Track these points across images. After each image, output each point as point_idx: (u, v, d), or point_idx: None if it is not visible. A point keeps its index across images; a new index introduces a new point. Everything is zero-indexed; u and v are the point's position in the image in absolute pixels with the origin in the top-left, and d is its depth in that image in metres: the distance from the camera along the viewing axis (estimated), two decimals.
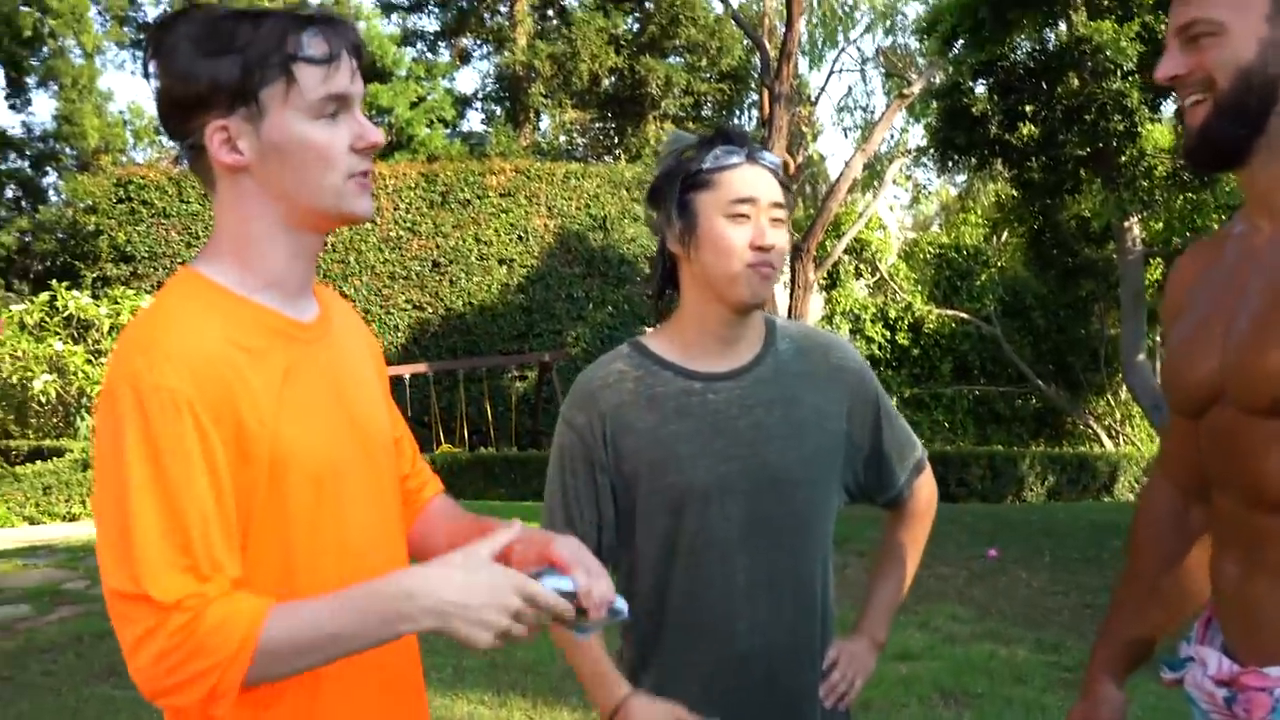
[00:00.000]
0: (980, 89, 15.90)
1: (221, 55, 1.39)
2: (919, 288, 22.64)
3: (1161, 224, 16.21)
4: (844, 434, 1.98)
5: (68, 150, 28.00)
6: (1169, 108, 15.33)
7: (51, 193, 27.97)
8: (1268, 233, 1.53)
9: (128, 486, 1.31)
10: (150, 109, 29.99)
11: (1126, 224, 16.00)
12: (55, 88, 27.60)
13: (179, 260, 16.94)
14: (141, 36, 28.11)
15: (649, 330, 2.01)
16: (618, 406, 1.90)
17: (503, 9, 27.81)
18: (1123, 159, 14.77)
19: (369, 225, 17.95)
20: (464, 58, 29.64)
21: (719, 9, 25.55)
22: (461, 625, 1.32)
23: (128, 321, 15.14)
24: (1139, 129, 14.48)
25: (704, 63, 26.08)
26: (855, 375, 2.02)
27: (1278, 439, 1.45)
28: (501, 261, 17.49)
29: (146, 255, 16.85)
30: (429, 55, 28.91)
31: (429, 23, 29.04)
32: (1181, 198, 15.09)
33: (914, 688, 5.05)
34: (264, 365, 1.43)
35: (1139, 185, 14.83)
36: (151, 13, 28.36)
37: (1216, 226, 15.16)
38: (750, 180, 1.86)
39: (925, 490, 2.12)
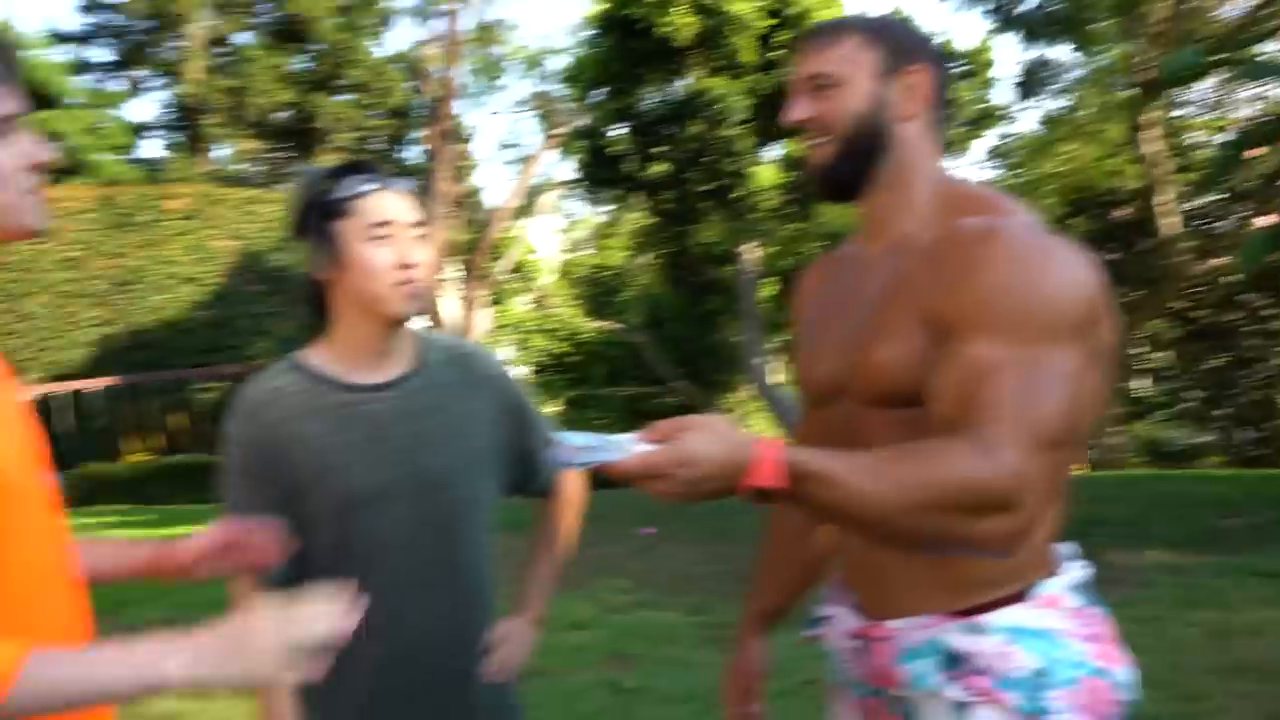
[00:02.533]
0: (620, 131, 16.36)
1: None
2: (576, 303, 23.05)
3: (775, 249, 17.21)
4: (493, 436, 1.95)
5: None
6: (774, 151, 16.34)
7: None
8: (877, 252, 1.62)
9: None
10: None
11: (742, 249, 16.91)
12: None
13: None
14: None
15: (307, 348, 1.91)
16: (282, 420, 1.80)
17: (177, 44, 26.12)
18: (736, 195, 15.58)
19: (45, 245, 16.37)
20: (137, 88, 27.62)
21: (382, 52, 25.08)
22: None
23: None
24: (745, 170, 15.34)
25: (371, 100, 25.47)
26: (499, 381, 1.99)
27: (884, 426, 1.52)
28: (186, 280, 16.48)
29: None
30: (104, 84, 26.76)
31: (103, 53, 26.88)
32: (788, 228, 16.12)
33: (585, 654, 5.11)
34: None
35: (751, 217, 15.69)
36: None
37: (815, 251, 16.32)
38: (386, 204, 1.80)
39: (572, 483, 2.12)
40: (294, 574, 1.86)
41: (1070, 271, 1.42)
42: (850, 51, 1.57)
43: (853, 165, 1.58)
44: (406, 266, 1.78)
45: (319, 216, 1.80)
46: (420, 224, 1.83)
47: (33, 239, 1.39)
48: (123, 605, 5.92)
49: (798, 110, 1.59)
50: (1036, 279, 1.41)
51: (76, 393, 14.23)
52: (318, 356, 1.87)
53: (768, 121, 15.35)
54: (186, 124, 25.99)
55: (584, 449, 1.29)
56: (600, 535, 8.01)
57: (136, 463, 13.12)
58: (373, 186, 1.80)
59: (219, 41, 26.28)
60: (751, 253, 17.05)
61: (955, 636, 1.51)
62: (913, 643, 1.54)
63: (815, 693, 4.31)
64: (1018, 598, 1.50)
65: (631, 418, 21.66)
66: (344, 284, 1.81)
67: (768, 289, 18.63)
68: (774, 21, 15.27)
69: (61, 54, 26.05)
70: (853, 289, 1.64)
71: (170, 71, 26.34)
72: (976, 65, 18.41)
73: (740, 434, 1.30)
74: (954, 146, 19.55)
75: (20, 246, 16.29)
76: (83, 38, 26.15)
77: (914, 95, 1.57)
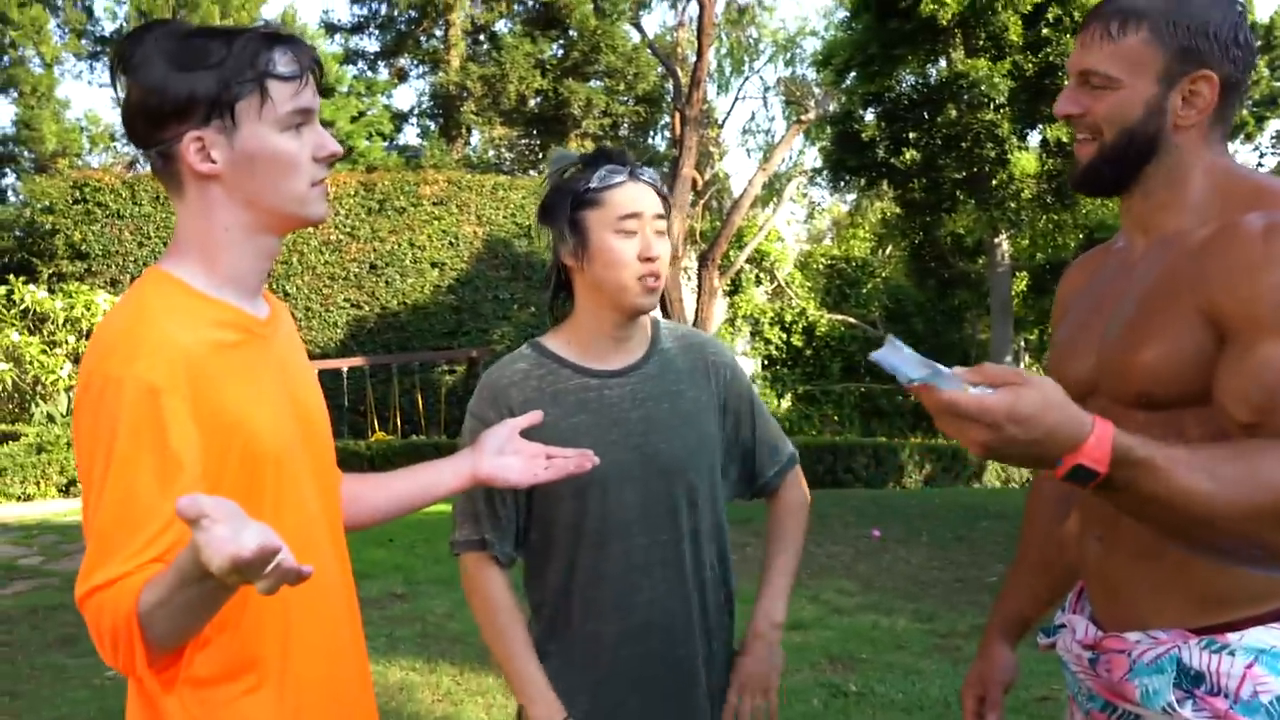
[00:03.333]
0: (869, 117, 16.10)
1: (196, 70, 1.37)
2: (812, 295, 22.87)
3: (1027, 241, 16.55)
4: (721, 424, 1.99)
5: (26, 153, 27.15)
6: (1035, 138, 15.67)
7: (10, 193, 27.09)
8: (1142, 249, 1.55)
9: (105, 472, 1.29)
10: (106, 116, 29.20)
11: (996, 240, 16.32)
12: (15, 95, 26.76)
13: (131, 259, 16.59)
14: (98, 49, 27.39)
15: (548, 333, 1.98)
16: (524, 403, 1.87)
17: (438, 33, 27.54)
18: (994, 182, 15.04)
19: (311, 229, 17.64)
20: (401, 76, 29.29)
21: (636, 38, 25.60)
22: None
23: (101, 318, 14.73)
24: (1009, 156, 14.77)
25: (621, 86, 26.04)
26: (730, 370, 2.03)
27: (1140, 429, 1.46)
28: (434, 265, 17.32)
29: (100, 253, 16.42)
30: (369, 73, 28.54)
31: (369, 43, 28.65)
32: (1045, 218, 15.43)
33: (805, 655, 5.07)
34: (232, 358, 1.41)
35: (1008, 206, 15.12)
36: (109, 27, 27.58)
37: (1073, 244, 15.56)
38: (635, 196, 1.84)
39: (796, 487, 2.11)
40: (533, 551, 1.95)
41: None
42: (1133, 50, 1.47)
43: (1113, 170, 1.51)
44: (649, 260, 1.83)
45: (568, 204, 1.86)
46: (662, 216, 1.87)
47: (313, 227, 1.53)
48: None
49: (1068, 104, 1.53)
50: None
51: (329, 371, 15.18)
52: (558, 341, 1.95)
53: (1030, 105, 14.73)
54: (443, 112, 27.36)
55: (915, 364, 1.21)
56: (826, 535, 7.96)
57: (380, 442, 13.89)
58: (621, 178, 1.85)
59: (479, 30, 27.53)
60: (1005, 245, 16.44)
61: (1195, 653, 1.44)
62: (1149, 657, 1.48)
63: (1049, 710, 4.14)
64: (1270, 618, 1.42)
65: (866, 416, 21.31)
66: (588, 272, 1.87)
67: (1021, 283, 17.92)
68: None
69: (334, 45, 27.98)
70: (1114, 287, 1.57)
71: (432, 60, 27.80)
72: (1275, 39, 17.04)
73: (1075, 405, 1.23)
74: (1241, 130, 18.17)
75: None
76: (353, 28, 27.96)
77: (1197, 102, 1.47)
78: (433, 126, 28.17)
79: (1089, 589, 1.63)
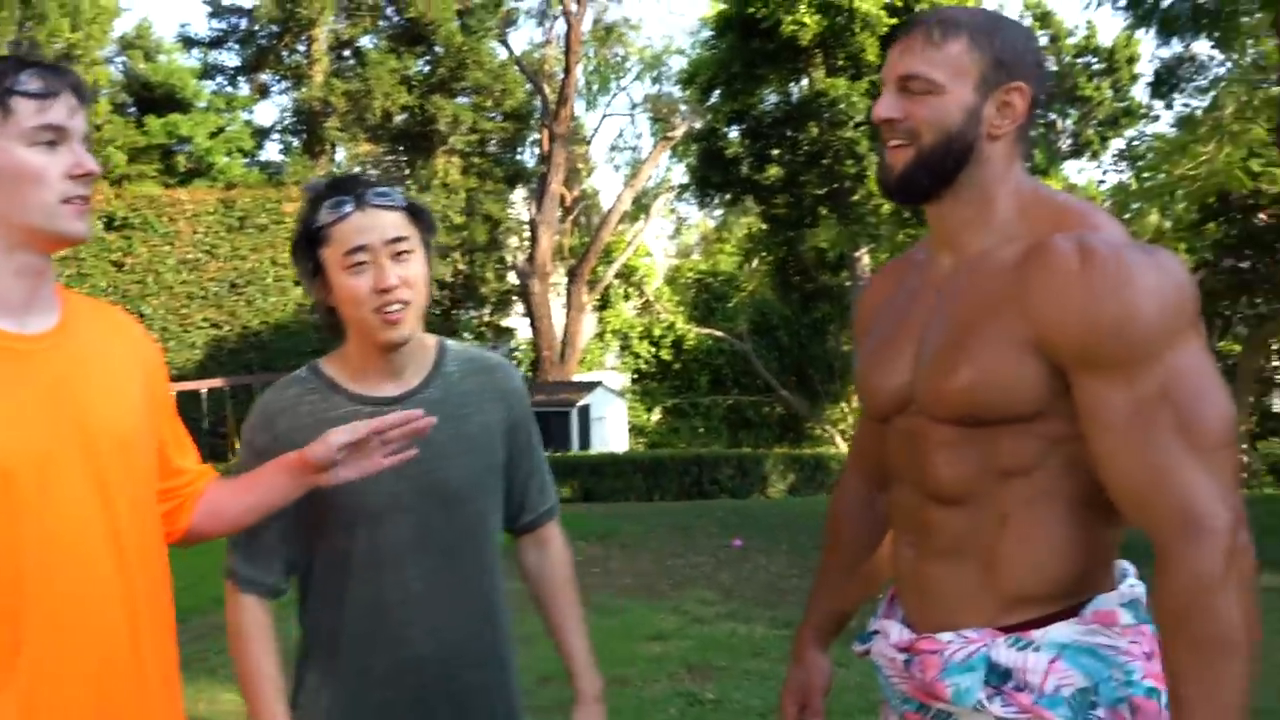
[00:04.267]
0: (734, 134, 16.38)
1: None
2: (681, 309, 23.09)
3: (886, 255, 16.98)
4: (504, 450, 1.93)
5: None
6: None
7: None
8: (949, 265, 1.56)
9: None
10: None
11: (857, 255, 16.74)
12: None
13: None
14: None
15: (332, 352, 1.90)
16: (291, 430, 1.79)
17: (301, 48, 27.00)
18: (854, 198, 15.45)
19: (166, 247, 17.11)
20: (263, 92, 28.60)
21: (504, 55, 25.54)
22: None
23: None
24: (867, 173, 15.18)
25: (489, 103, 25.91)
26: (517, 396, 1.96)
27: (951, 443, 1.49)
28: (297, 282, 16.87)
29: None
30: (229, 88, 27.82)
31: (229, 58, 27.93)
32: (903, 233, 15.89)
33: (664, 665, 5.06)
34: None
35: (867, 221, 15.55)
36: None
37: None
38: (361, 227, 1.73)
39: (561, 535, 2.07)
40: (302, 581, 1.87)
41: (1175, 275, 1.40)
42: (954, 57, 1.49)
43: (930, 176, 1.51)
44: (384, 291, 1.72)
45: (305, 243, 1.78)
46: (402, 238, 1.76)
47: (74, 246, 1.51)
48: None
49: (887, 109, 1.52)
50: (1147, 298, 1.37)
51: (187, 393, 14.73)
52: (335, 365, 1.86)
53: None
54: (307, 127, 26.83)
55: None
56: (689, 546, 7.99)
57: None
58: (349, 208, 1.74)
59: (343, 45, 27.09)
60: (865, 259, 16.87)
61: (1003, 651, 1.47)
62: (959, 657, 1.49)
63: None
64: (1070, 613, 1.46)
65: (734, 427, 21.59)
66: (338, 309, 1.79)
67: None
68: (898, 20, 15.09)
69: (191, 59, 27.19)
70: (922, 302, 1.59)
71: (294, 76, 27.24)
72: (1117, 62, 17.88)
73: None
74: (1089, 148, 18.98)
75: (140, 249, 17.08)
76: (212, 42, 27.22)
77: (1009, 113, 1.50)
78: (295, 143, 27.57)
79: (902, 593, 1.64)
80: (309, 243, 1.78)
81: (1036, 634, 1.45)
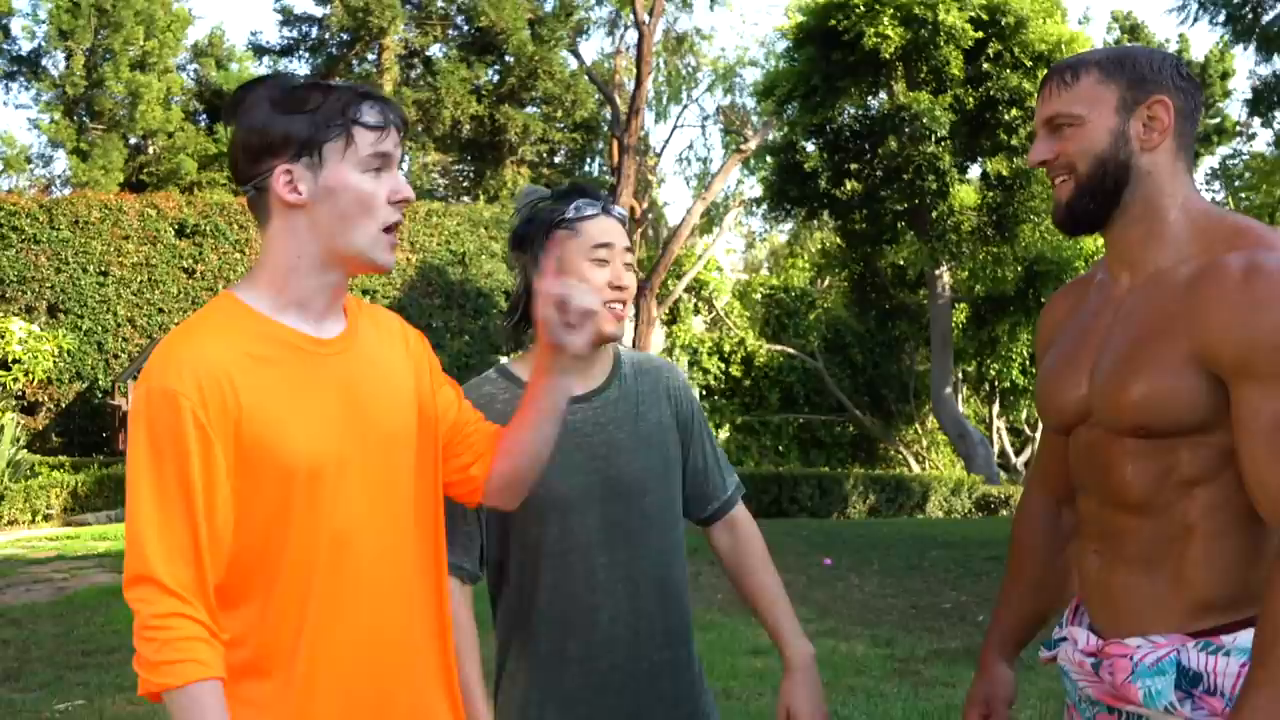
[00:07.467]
0: (811, 148, 16.34)
1: (294, 114, 1.55)
2: (751, 325, 23.07)
3: (967, 273, 16.89)
4: (678, 444, 2.11)
5: None
6: (976, 171, 16.06)
7: None
8: (1126, 284, 1.69)
9: (134, 481, 1.47)
10: (21, 138, 28.62)
11: (937, 272, 16.63)
12: None
13: (47, 285, 16.35)
14: (14, 69, 26.88)
15: (511, 357, 2.08)
16: None
17: (371, 57, 27.44)
18: (935, 215, 15.35)
19: (237, 255, 17.59)
20: None
21: (574, 65, 25.77)
22: None
23: (16, 345, 14.83)
24: (949, 189, 15.10)
25: (559, 113, 26.17)
26: (684, 394, 2.15)
27: (1132, 453, 1.60)
28: (365, 292, 17.26)
29: (15, 279, 16.16)
30: None
31: (300, 67, 28.41)
32: (984, 251, 15.79)
33: (768, 679, 5.16)
34: (268, 372, 1.54)
35: (948, 238, 15.42)
36: (26, 46, 27.05)
37: (1012, 277, 15.93)
38: (607, 229, 1.98)
39: (747, 514, 2.21)
40: (495, 570, 2.05)
41: None
42: (1087, 90, 1.64)
43: (1094, 201, 1.65)
44: (618, 289, 1.96)
45: (544, 233, 1.98)
46: (630, 250, 2.00)
47: (378, 273, 1.66)
48: None
49: (1039, 152, 1.69)
50: None
51: None
52: (522, 367, 2.06)
53: (971, 138, 15.11)
54: None
55: None
56: (779, 563, 7.98)
57: None
58: (595, 211, 1.98)
59: (413, 55, 27.50)
60: (945, 277, 16.79)
61: (1193, 655, 1.56)
62: (1150, 660, 1.58)
63: None
64: (1255, 620, 1.53)
65: (805, 446, 21.52)
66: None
67: (960, 315, 18.28)
68: (983, 34, 15.07)
69: (262, 67, 27.71)
70: (1099, 320, 1.71)
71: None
72: (1210, 77, 17.64)
73: None
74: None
75: (211, 256, 17.47)
76: (283, 50, 27.74)
77: (1156, 125, 1.63)
78: None
79: (1088, 600, 1.73)
80: (548, 232, 1.97)
81: (1226, 639, 1.54)
